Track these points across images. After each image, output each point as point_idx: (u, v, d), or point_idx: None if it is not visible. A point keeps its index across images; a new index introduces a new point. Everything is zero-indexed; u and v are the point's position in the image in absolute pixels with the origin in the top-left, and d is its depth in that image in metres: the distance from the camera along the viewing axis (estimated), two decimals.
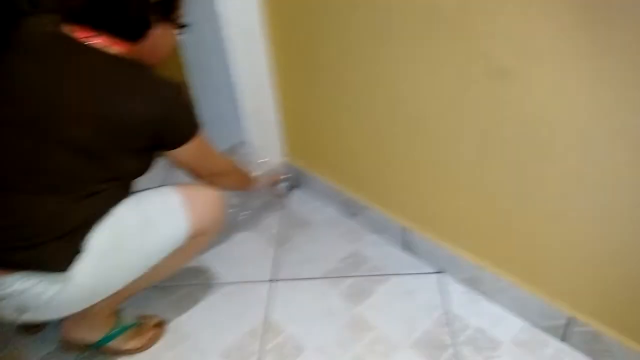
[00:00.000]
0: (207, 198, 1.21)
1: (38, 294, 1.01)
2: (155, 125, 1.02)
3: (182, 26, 1.15)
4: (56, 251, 1.00)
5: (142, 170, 1.12)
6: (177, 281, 1.54)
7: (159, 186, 1.19)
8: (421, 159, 1.38)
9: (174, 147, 1.10)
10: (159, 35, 1.08)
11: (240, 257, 1.64)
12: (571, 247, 1.16)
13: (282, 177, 1.78)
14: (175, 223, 1.15)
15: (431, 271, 1.52)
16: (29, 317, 1.06)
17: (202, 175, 1.23)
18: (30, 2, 1.36)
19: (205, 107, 1.88)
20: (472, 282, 1.43)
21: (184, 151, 1.12)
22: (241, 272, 1.57)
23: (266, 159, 1.69)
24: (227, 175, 1.34)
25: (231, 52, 1.56)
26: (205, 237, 1.24)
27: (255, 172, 1.56)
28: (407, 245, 1.58)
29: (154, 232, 1.12)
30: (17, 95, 0.99)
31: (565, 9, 0.92)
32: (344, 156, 1.66)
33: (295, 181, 1.91)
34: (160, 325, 1.40)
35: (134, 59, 1.05)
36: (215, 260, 1.62)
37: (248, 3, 1.54)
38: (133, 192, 1.15)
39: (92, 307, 1.15)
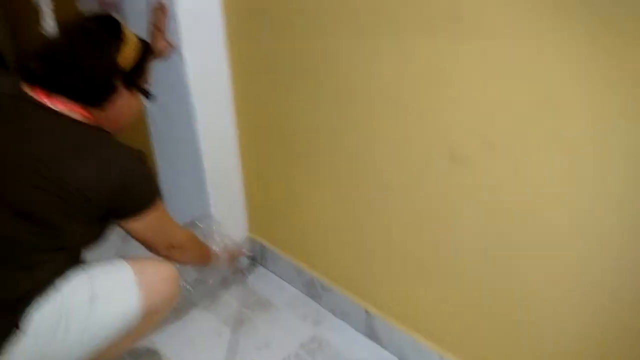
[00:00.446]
0: (162, 274, 1.13)
1: None
2: (109, 194, 0.97)
3: (147, 93, 1.13)
4: None
5: (92, 240, 1.06)
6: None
7: (111, 259, 1.12)
8: (386, 241, 1.35)
9: (129, 218, 1.05)
10: (123, 101, 1.06)
11: (193, 337, 1.54)
12: (534, 336, 1.12)
13: (242, 252, 1.70)
14: (126, 302, 1.06)
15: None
16: None
17: (158, 248, 1.16)
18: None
19: (168, 177, 1.84)
20: None
21: (140, 222, 1.06)
22: (193, 356, 1.47)
23: (227, 234, 1.63)
24: (185, 249, 1.26)
25: (198, 123, 1.54)
26: (158, 315, 1.16)
27: (215, 247, 1.50)
28: (371, 331, 1.51)
29: (102, 311, 1.03)
30: None
31: (523, 101, 0.94)
32: (309, 235, 1.62)
33: (257, 258, 1.85)
34: None
35: (95, 124, 1.02)
36: (165, 339, 1.52)
37: (217, 74, 1.55)
38: (82, 263, 1.08)
39: None
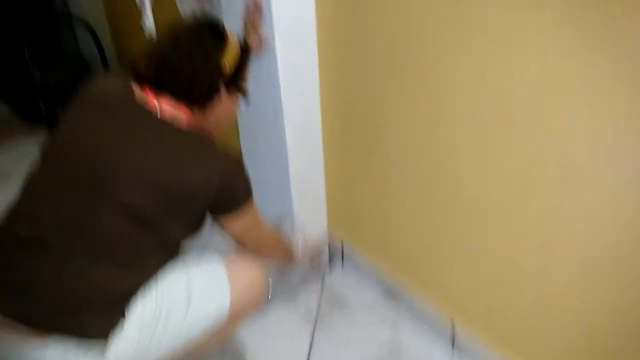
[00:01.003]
0: (252, 275, 1.17)
1: None
2: (210, 195, 1.02)
3: (246, 94, 1.16)
4: (100, 318, 0.96)
5: (191, 235, 1.11)
6: (207, 357, 1.47)
7: (207, 255, 1.17)
8: (478, 249, 1.31)
9: (224, 215, 1.09)
10: (224, 103, 1.10)
11: (273, 332, 1.57)
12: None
13: (322, 252, 1.73)
14: (218, 300, 1.11)
15: None
16: None
17: (247, 245, 1.20)
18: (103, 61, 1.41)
19: (253, 171, 1.86)
20: None
21: (233, 220, 1.11)
22: (275, 352, 1.50)
23: (309, 233, 1.65)
24: (271, 247, 1.31)
25: (285, 119, 1.56)
26: (245, 313, 1.20)
27: (297, 246, 1.53)
28: (454, 341, 1.47)
29: (197, 305, 1.08)
30: (78, 152, 0.99)
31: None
32: (390, 236, 1.60)
33: (336, 257, 1.85)
34: None
35: (198, 130, 1.06)
36: (248, 335, 1.55)
37: (307, 72, 1.56)
38: (177, 259, 1.12)
39: None
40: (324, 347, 1.50)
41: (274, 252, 1.35)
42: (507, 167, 1.15)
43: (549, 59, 0.98)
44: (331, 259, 1.84)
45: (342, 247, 1.81)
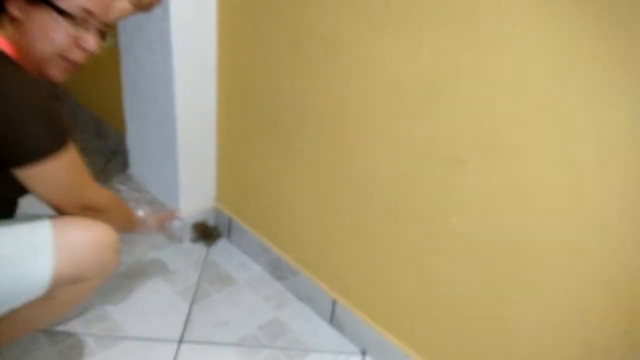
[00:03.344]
0: (92, 236, 0.98)
1: None
2: None
3: (63, 12, 0.90)
4: None
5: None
6: (69, 327, 1.34)
7: (38, 215, 0.97)
8: (363, 230, 1.30)
9: (24, 165, 0.88)
10: (37, 22, 0.90)
11: (147, 307, 1.46)
12: (507, 347, 1.10)
13: (173, 215, 1.49)
14: (34, 264, 0.92)
15: (355, 351, 1.41)
16: None
17: (66, 209, 0.99)
18: None
19: (137, 135, 1.74)
20: None
21: (37, 173, 0.89)
22: (146, 327, 1.39)
23: (153, 197, 1.46)
24: (104, 212, 1.06)
25: (176, 83, 1.44)
26: (86, 284, 1.02)
27: (141, 211, 1.33)
28: (334, 319, 1.47)
29: (6, 269, 0.90)
30: None
31: (533, 108, 0.90)
32: (279, 213, 1.55)
33: (222, 231, 1.77)
34: None
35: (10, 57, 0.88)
36: (117, 308, 1.43)
37: (202, 36, 1.44)
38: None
39: None
40: (200, 326, 1.42)
41: (109, 219, 1.06)
42: (401, 147, 1.14)
43: (443, 43, 0.98)
44: (217, 233, 1.76)
45: (229, 220, 1.73)
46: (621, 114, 0.81)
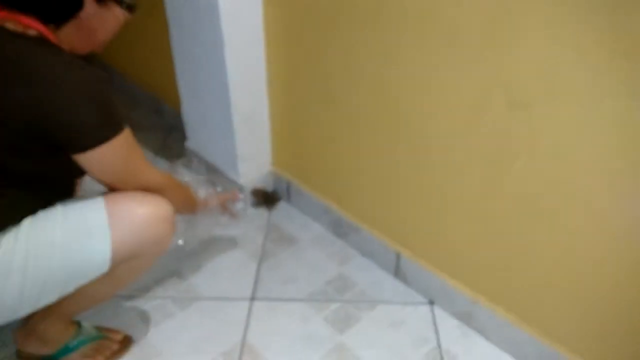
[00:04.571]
0: (144, 214, 0.99)
1: None
2: (35, 116, 0.84)
3: (129, 7, 0.99)
4: None
5: (50, 176, 0.95)
6: (148, 291, 1.42)
7: (90, 197, 0.99)
8: (422, 183, 1.30)
9: (77, 150, 0.89)
10: (94, 17, 0.94)
11: (219, 270, 1.53)
12: (574, 288, 1.09)
13: (236, 196, 1.49)
14: (93, 246, 0.94)
15: (423, 302, 1.43)
16: None
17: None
18: None
19: (192, 106, 1.78)
20: (466, 317, 1.35)
21: (95, 158, 0.90)
22: (219, 287, 1.46)
23: (217, 178, 1.45)
24: (163, 194, 1.06)
25: (226, 50, 1.46)
26: (141, 260, 1.05)
27: (203, 192, 1.33)
28: (399, 272, 1.48)
29: (65, 255, 0.93)
30: None
31: (595, 45, 0.85)
32: (336, 172, 1.57)
33: (281, 194, 1.81)
34: (125, 341, 1.27)
35: (54, 43, 0.90)
36: (191, 271, 1.51)
37: (251, 7, 1.45)
38: (57, 201, 0.97)
39: (35, 321, 1.04)
40: (270, 284, 1.47)
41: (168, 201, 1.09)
42: (454, 100, 1.12)
43: None
44: (276, 197, 1.80)
45: (288, 184, 1.77)
46: None
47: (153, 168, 1.07)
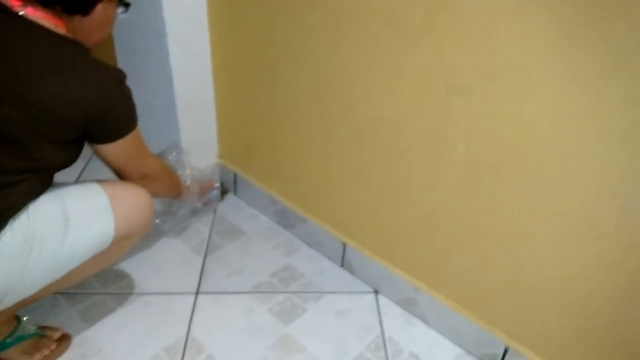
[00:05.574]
0: (136, 199, 1.09)
1: None
2: (86, 115, 0.91)
3: (126, 3, 1.04)
4: None
5: (66, 163, 0.99)
6: (87, 288, 1.38)
7: (84, 182, 1.07)
8: (366, 172, 1.32)
9: (105, 142, 1.00)
10: (102, 12, 0.97)
11: (162, 264, 1.50)
12: (515, 275, 1.13)
13: (213, 185, 1.65)
14: (100, 226, 1.03)
15: (367, 290, 1.45)
16: None
17: (130, 176, 1.12)
18: None
19: (135, 97, 1.72)
20: (409, 305, 1.38)
21: (115, 148, 1.02)
22: (163, 282, 1.43)
23: (197, 166, 1.56)
24: (157, 179, 1.21)
25: (171, 39, 1.42)
26: (128, 241, 1.13)
27: (185, 179, 1.44)
28: (344, 262, 1.50)
29: (76, 234, 0.99)
30: None
31: (537, 30, 0.88)
32: (283, 163, 1.56)
33: (227, 185, 1.79)
34: (63, 339, 1.23)
35: (72, 38, 0.92)
36: (133, 266, 1.47)
37: None
38: (52, 185, 1.02)
39: None
40: (215, 277, 1.46)
41: (160, 185, 1.25)
42: (398, 87, 1.13)
43: None
44: (222, 188, 1.78)
45: (234, 175, 1.75)
46: None
47: (153, 155, 1.19)
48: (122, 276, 1.44)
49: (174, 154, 1.54)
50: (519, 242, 1.09)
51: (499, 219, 1.10)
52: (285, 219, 1.64)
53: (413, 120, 1.15)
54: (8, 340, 1.14)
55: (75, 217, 0.99)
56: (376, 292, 1.44)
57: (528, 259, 1.09)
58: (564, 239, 1.01)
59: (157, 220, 1.48)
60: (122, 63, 1.67)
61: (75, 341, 1.25)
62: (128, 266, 1.47)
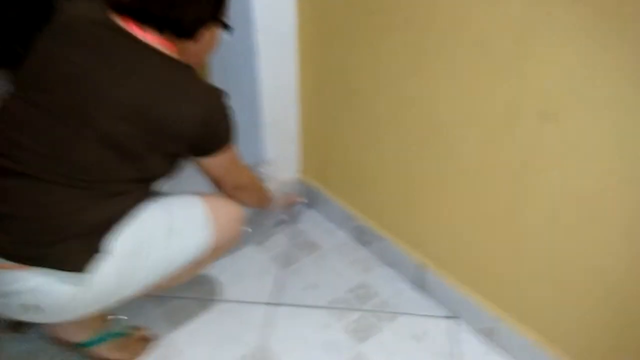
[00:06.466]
0: (230, 212, 1.16)
1: (50, 292, 0.93)
2: (196, 131, 0.97)
3: (227, 26, 1.09)
4: (75, 250, 0.93)
5: (169, 174, 1.07)
6: (172, 292, 1.44)
7: (183, 193, 1.14)
8: (448, 193, 1.29)
9: (207, 155, 1.06)
10: (206, 35, 1.03)
11: (241, 273, 1.54)
12: (606, 308, 1.06)
13: (298, 199, 1.72)
14: (199, 234, 1.10)
15: (444, 315, 1.41)
16: (36, 316, 0.99)
17: (225, 186, 1.17)
18: None
19: None
20: (489, 334, 1.33)
21: (215, 160, 1.07)
22: (241, 290, 1.48)
23: (283, 179, 1.61)
24: (249, 190, 1.27)
25: (260, 60, 1.48)
26: (221, 251, 1.19)
27: (273, 191, 1.48)
28: (421, 284, 1.47)
29: (178, 241, 1.07)
30: (56, 80, 0.92)
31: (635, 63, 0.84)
32: (362, 181, 1.57)
33: (308, 201, 1.82)
34: (148, 339, 1.30)
35: (182, 61, 0.99)
36: (214, 273, 1.53)
37: (284, 12, 1.47)
38: (154, 195, 1.08)
39: None
40: (292, 289, 1.48)
41: (251, 196, 1.30)
42: (485, 111, 1.11)
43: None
44: (303, 203, 1.81)
45: (314, 190, 1.78)
46: None
47: (247, 167, 1.24)
48: (205, 282, 1.50)
49: (261, 167, 1.60)
50: (608, 269, 1.02)
51: (587, 250, 1.04)
52: (362, 236, 1.64)
53: (500, 145, 1.11)
54: (98, 338, 1.22)
55: (178, 227, 1.06)
56: (453, 317, 1.40)
57: (619, 291, 1.02)
58: None
59: (249, 229, 1.51)
60: (214, 79, 1.75)
61: (159, 341, 1.31)
62: (212, 271, 1.52)
